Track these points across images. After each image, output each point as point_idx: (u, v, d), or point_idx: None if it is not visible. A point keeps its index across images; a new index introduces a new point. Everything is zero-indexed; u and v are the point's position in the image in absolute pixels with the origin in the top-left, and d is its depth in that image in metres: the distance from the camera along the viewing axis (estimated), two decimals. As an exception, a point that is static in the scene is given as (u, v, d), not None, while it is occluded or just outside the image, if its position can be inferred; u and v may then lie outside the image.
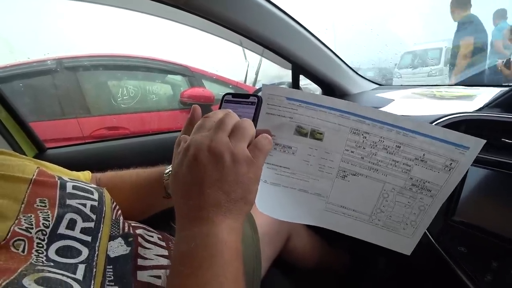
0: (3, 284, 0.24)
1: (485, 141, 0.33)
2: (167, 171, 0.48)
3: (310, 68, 0.90)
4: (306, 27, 0.86)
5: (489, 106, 0.66)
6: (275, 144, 0.41)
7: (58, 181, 0.38)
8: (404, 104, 0.83)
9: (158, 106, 2.25)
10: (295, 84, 0.96)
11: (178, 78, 2.42)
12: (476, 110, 0.64)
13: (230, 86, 2.46)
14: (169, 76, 2.40)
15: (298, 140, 0.40)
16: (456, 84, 1.00)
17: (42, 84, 1.81)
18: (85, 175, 0.54)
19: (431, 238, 0.55)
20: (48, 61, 1.81)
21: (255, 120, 0.39)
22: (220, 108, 0.43)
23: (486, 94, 0.77)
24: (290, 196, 0.42)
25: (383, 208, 0.40)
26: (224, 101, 0.42)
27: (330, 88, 1.00)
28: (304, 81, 1.04)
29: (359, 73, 1.10)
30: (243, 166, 0.30)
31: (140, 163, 0.58)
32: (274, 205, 0.44)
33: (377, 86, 1.14)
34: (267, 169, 0.42)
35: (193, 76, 2.33)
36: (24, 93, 1.75)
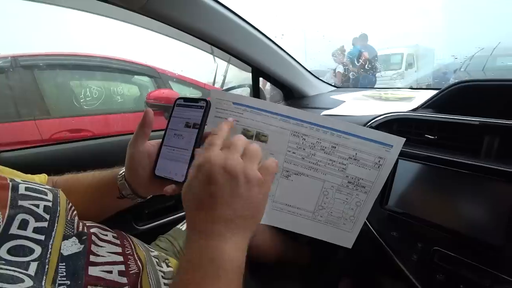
0: None
1: (404, 139, 0.38)
2: (121, 172, 0.49)
3: (269, 72, 0.95)
4: (264, 32, 0.91)
5: (423, 107, 0.75)
6: None
7: (10, 183, 0.38)
8: (352, 105, 0.90)
9: (123, 107, 2.19)
10: (255, 86, 1.00)
11: (145, 79, 2.37)
12: (410, 110, 0.72)
13: (191, 87, 2.44)
14: (136, 77, 2.34)
15: None
16: (403, 88, 1.10)
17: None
18: (41, 178, 0.54)
19: (370, 225, 0.62)
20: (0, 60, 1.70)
21: (203, 122, 0.42)
22: (172, 111, 0.45)
23: (423, 96, 0.86)
24: None
25: (324, 205, 0.44)
26: (176, 105, 0.45)
27: (289, 90, 1.06)
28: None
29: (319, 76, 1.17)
30: (255, 186, 0.33)
31: (98, 165, 0.58)
32: None
33: (334, 88, 1.21)
34: None
35: (159, 77, 2.29)
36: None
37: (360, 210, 0.43)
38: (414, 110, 0.73)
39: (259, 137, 0.42)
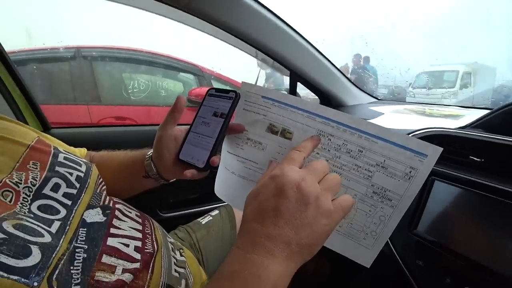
0: None
1: (441, 149, 0.33)
2: (149, 153, 0.51)
3: (307, 77, 0.93)
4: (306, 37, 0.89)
5: (471, 126, 0.67)
6: (247, 138, 0.44)
7: (53, 150, 0.43)
8: (391, 117, 0.85)
9: (166, 101, 2.31)
10: (292, 91, 0.99)
11: (190, 77, 2.49)
12: (457, 128, 0.65)
13: (228, 86, 2.51)
14: (181, 74, 2.48)
15: (269, 137, 0.42)
16: (451, 105, 1.01)
17: (58, 70, 1.91)
18: (81, 151, 0.60)
19: (393, 249, 0.57)
20: (61, 49, 1.91)
21: (230, 112, 0.43)
22: (203, 100, 0.47)
23: (473, 115, 0.78)
24: None
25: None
26: (208, 94, 0.47)
27: (327, 98, 1.03)
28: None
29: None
30: (323, 217, 0.30)
31: (133, 148, 0.62)
32: (235, 196, 0.47)
33: (375, 100, 1.16)
34: (237, 161, 0.45)
35: (203, 76, 2.40)
36: (39, 77, 1.85)
37: (384, 226, 0.38)
38: (461, 128, 0.66)
39: (285, 133, 0.41)
